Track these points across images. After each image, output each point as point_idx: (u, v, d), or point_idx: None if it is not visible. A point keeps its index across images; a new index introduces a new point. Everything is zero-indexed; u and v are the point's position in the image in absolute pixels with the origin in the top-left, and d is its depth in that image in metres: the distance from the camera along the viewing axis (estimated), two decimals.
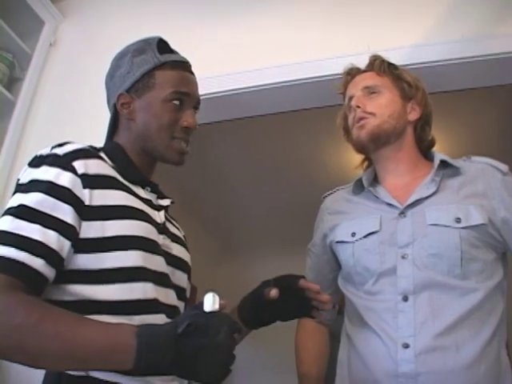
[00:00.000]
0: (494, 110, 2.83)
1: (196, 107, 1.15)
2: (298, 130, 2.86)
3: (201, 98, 1.18)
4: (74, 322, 0.83)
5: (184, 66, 1.13)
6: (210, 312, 0.84)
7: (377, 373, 1.13)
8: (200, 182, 3.43)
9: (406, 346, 1.11)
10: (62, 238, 0.88)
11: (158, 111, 1.08)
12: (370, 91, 1.31)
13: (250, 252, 4.28)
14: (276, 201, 3.72)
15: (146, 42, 1.13)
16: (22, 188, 0.92)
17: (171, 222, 1.17)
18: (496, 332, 1.14)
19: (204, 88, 1.22)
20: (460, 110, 2.79)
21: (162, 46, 1.13)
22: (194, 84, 1.14)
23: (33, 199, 0.89)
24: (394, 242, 1.20)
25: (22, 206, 0.88)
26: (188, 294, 1.14)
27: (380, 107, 1.28)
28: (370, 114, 1.28)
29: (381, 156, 1.33)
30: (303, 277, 1.12)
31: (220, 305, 0.85)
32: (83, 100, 2.17)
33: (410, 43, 1.83)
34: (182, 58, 1.15)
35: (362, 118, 1.29)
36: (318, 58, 1.89)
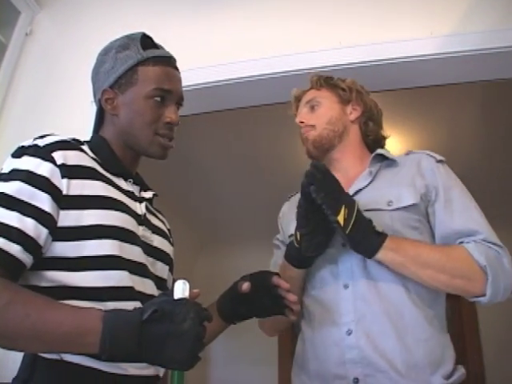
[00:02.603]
0: (471, 106, 2.88)
1: (179, 103, 1.16)
2: (278, 123, 2.89)
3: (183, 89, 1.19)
4: (44, 305, 0.85)
5: (167, 61, 1.14)
6: (179, 299, 0.85)
7: (327, 362, 1.18)
8: (179, 174, 3.43)
9: (350, 332, 1.16)
10: (39, 226, 0.90)
11: (141, 108, 1.09)
12: (311, 105, 1.43)
13: (229, 245, 4.29)
14: (256, 194, 3.74)
15: (130, 37, 1.14)
16: (3, 177, 0.95)
17: (155, 215, 1.19)
18: (437, 315, 1.20)
19: (184, 80, 1.23)
20: (437, 105, 2.84)
21: (146, 41, 1.14)
22: (177, 80, 1.15)
23: (12, 187, 0.91)
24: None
25: (1, 194, 0.91)
26: (170, 285, 1.16)
27: (318, 117, 1.40)
28: (311, 126, 1.40)
29: (329, 159, 1.41)
30: (277, 274, 1.15)
31: (192, 293, 0.87)
32: (59, 90, 2.17)
33: (381, 39, 1.87)
34: (166, 53, 1.16)
35: (305, 132, 1.41)
36: (297, 51, 1.92)
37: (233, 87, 2.03)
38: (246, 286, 1.09)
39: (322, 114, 1.40)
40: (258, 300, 1.13)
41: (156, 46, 1.15)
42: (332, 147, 1.39)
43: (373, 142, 1.44)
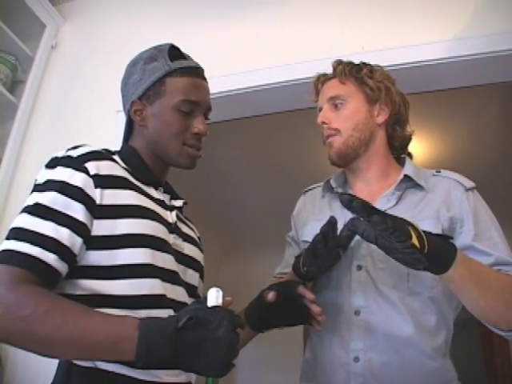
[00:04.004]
0: (492, 109, 2.85)
1: (206, 113, 1.17)
2: (301, 130, 2.89)
3: None
4: (81, 313, 0.87)
5: (195, 71, 1.15)
6: (213, 307, 0.86)
7: (334, 380, 1.17)
8: (202, 182, 3.45)
9: (357, 359, 1.14)
10: (73, 235, 0.92)
11: (169, 119, 1.10)
12: (335, 102, 1.31)
13: (253, 251, 4.29)
14: (278, 200, 3.73)
15: (158, 48, 1.15)
16: (38, 187, 0.97)
17: (185, 223, 1.20)
18: (443, 348, 1.17)
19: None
20: (459, 108, 2.82)
21: (174, 52, 1.15)
22: (204, 91, 1.16)
23: (47, 198, 0.93)
24: (351, 252, 1.21)
25: (37, 205, 0.93)
26: (201, 292, 1.17)
27: (344, 120, 1.29)
28: (335, 130, 1.29)
29: (354, 168, 1.34)
30: (303, 283, 1.15)
31: (225, 301, 0.88)
32: (85, 102, 2.21)
33: (403, 43, 1.87)
34: (194, 63, 1.16)
35: (328, 136, 1.31)
36: (314, 58, 1.92)
37: (254, 94, 2.04)
38: (271, 295, 1.09)
39: (347, 117, 1.29)
40: (284, 309, 1.13)
41: (184, 57, 1.16)
42: (357, 156, 1.31)
43: (400, 145, 1.38)
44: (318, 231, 1.24)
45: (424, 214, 1.21)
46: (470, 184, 1.26)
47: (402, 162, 1.35)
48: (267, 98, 2.07)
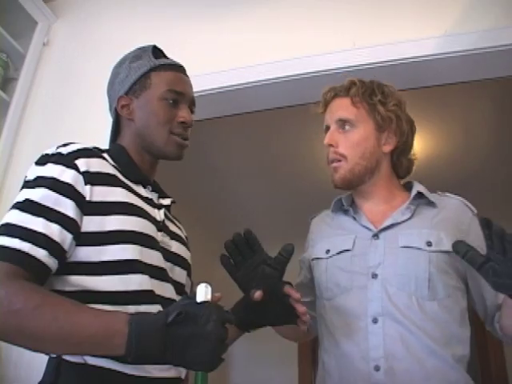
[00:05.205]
0: (485, 103, 2.86)
1: (191, 107, 1.20)
2: (293, 125, 2.90)
3: (195, 95, 1.23)
4: (71, 308, 0.87)
5: (178, 68, 1.20)
6: (202, 302, 0.87)
7: None
8: (194, 179, 3.46)
9: (378, 368, 1.13)
10: (64, 231, 0.93)
11: (155, 108, 1.13)
12: (344, 125, 1.30)
13: None
14: (272, 195, 3.75)
15: (142, 49, 1.20)
16: (28, 184, 0.98)
17: (172, 221, 1.21)
18: (463, 360, 1.17)
19: (198, 85, 1.25)
20: (452, 103, 2.83)
21: (157, 52, 1.20)
22: (188, 84, 1.20)
23: (37, 194, 0.94)
24: (365, 262, 1.23)
25: (27, 201, 0.93)
26: (188, 290, 1.18)
27: (352, 147, 1.28)
28: (342, 156, 1.28)
29: (358, 191, 1.35)
30: (289, 283, 1.15)
31: (214, 297, 0.89)
32: (77, 99, 2.20)
33: (394, 39, 1.87)
34: (176, 62, 1.21)
35: (334, 161, 1.30)
36: (306, 54, 1.93)
37: (247, 91, 2.04)
38: (258, 294, 1.10)
39: (355, 143, 1.28)
40: (270, 308, 1.14)
41: (166, 57, 1.22)
42: (362, 183, 1.31)
43: (404, 173, 1.38)
44: (327, 248, 1.29)
45: (441, 226, 1.23)
46: (474, 209, 1.28)
47: (408, 187, 1.35)
48: (260, 95, 2.07)
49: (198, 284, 0.90)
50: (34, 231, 0.90)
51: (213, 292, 0.89)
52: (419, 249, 1.19)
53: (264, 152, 3.31)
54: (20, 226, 0.90)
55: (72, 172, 0.97)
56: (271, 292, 1.12)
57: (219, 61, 2.06)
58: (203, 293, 0.88)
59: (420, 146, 3.16)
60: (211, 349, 0.84)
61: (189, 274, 1.19)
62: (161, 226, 1.10)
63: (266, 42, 2.05)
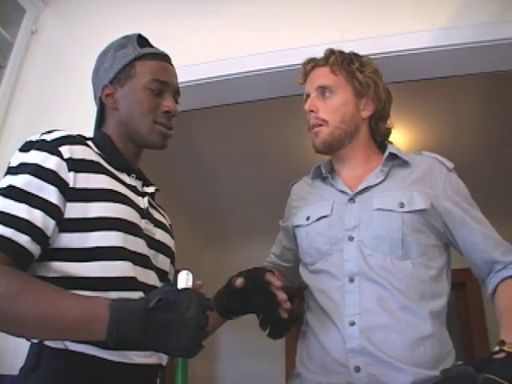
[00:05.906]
0: (473, 98, 2.88)
1: (175, 96, 1.21)
2: (278, 117, 2.91)
3: (181, 85, 1.23)
4: (53, 294, 0.88)
5: (163, 57, 1.19)
6: (183, 289, 0.88)
7: (330, 350, 1.19)
8: (182, 169, 3.46)
9: (352, 323, 1.17)
10: (47, 217, 0.94)
11: (139, 97, 1.13)
12: (324, 91, 1.34)
13: (235, 238, 4.31)
14: (261, 187, 3.75)
15: (127, 38, 1.20)
16: (11, 170, 0.98)
17: (156, 209, 1.22)
18: (439, 315, 1.21)
19: (184, 76, 1.26)
20: (440, 97, 2.85)
21: (142, 41, 1.20)
22: (172, 74, 1.20)
23: (21, 180, 0.95)
24: (342, 225, 1.27)
25: (10, 187, 0.94)
26: (171, 278, 1.19)
27: (332, 111, 1.33)
28: (323, 120, 1.33)
29: (337, 156, 1.39)
30: (271, 271, 1.17)
31: (195, 284, 0.91)
32: (65, 87, 2.19)
33: (383, 32, 1.88)
34: (161, 51, 1.21)
35: (315, 125, 1.35)
36: (293, 46, 1.93)
37: (234, 82, 2.04)
38: (239, 281, 1.11)
39: (335, 108, 1.33)
40: (251, 296, 1.16)
41: (151, 46, 1.21)
42: (341, 147, 1.36)
43: (381, 138, 1.43)
44: (307, 215, 1.33)
45: (413, 186, 1.27)
46: (450, 165, 1.32)
47: (383, 149, 1.39)
48: (248, 86, 2.08)
49: (180, 271, 0.91)
50: (17, 217, 0.91)
51: (194, 280, 0.90)
52: (392, 210, 1.24)
53: (251, 142, 3.32)
54: (2, 212, 0.91)
55: (55, 159, 0.98)
56: (253, 279, 1.14)
57: (206, 52, 2.05)
58: (184, 280, 0.89)
59: (408, 139, 3.18)
60: (191, 335, 0.85)
61: (172, 262, 1.20)
62: (145, 214, 1.11)
63: (254, 33, 2.05)
